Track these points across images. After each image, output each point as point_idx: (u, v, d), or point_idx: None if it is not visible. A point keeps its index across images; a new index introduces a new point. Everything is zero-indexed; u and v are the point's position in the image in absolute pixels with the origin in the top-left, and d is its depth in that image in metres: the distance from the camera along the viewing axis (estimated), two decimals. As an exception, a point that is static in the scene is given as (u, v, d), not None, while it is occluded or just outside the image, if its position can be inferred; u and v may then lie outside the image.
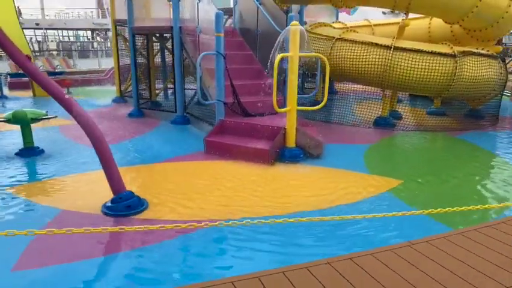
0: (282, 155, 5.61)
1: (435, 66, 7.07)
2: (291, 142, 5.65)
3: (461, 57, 7.14)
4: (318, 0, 8.88)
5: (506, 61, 9.25)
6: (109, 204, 3.99)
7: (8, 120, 5.78)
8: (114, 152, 6.10)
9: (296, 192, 4.55)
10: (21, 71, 14.14)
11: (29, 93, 12.56)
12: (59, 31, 50.28)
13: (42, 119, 6.12)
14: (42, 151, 6.07)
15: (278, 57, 5.17)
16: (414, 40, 8.70)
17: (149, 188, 4.74)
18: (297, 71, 5.44)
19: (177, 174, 5.32)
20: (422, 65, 7.09)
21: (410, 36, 9.72)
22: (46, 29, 46.64)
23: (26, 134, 5.91)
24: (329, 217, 3.17)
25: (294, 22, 5.32)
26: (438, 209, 3.13)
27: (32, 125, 5.96)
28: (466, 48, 7.38)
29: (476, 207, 3.22)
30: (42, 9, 47.84)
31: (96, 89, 14.24)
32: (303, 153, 5.71)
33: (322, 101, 6.00)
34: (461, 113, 9.08)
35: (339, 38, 7.92)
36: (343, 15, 18.66)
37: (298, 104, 5.67)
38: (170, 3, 7.72)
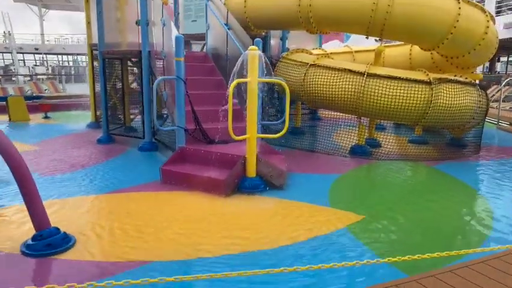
0: (241, 185, 5.19)
1: (410, 93, 6.74)
2: (251, 171, 5.24)
3: (437, 85, 6.83)
4: (292, 26, 8.63)
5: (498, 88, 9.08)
6: (30, 242, 3.57)
7: None
8: (61, 181, 5.78)
9: (242, 232, 4.08)
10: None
11: (6, 117, 12.20)
12: (59, 56, 51.02)
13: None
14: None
15: (234, 82, 4.87)
16: (397, 67, 8.48)
17: (84, 222, 4.29)
18: (256, 97, 5.11)
19: (121, 206, 4.83)
20: (396, 92, 6.76)
21: (391, 63, 9.54)
22: (45, 53, 47.34)
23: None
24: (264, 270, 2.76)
25: (252, 47, 5.03)
26: (396, 258, 2.89)
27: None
28: (443, 75, 7.08)
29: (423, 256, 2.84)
30: (42, 34, 48.69)
31: (78, 113, 13.80)
32: (264, 184, 5.28)
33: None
34: (443, 142, 8.74)
35: (312, 64, 7.64)
36: (335, 43, 18.59)
37: (269, 131, 5.32)
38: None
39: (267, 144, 6.36)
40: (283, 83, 5.24)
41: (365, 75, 6.95)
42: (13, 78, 31.36)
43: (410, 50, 9.40)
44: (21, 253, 3.47)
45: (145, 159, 7.40)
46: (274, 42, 11.81)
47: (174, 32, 5.93)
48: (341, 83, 7.15)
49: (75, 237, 3.79)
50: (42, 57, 47.09)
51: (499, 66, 33.21)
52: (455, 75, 7.57)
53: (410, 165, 6.95)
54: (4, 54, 44.67)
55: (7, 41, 39.99)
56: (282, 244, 3.67)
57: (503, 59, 34.54)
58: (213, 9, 8.23)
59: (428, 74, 6.93)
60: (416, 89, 6.77)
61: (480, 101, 7.30)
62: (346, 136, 7.99)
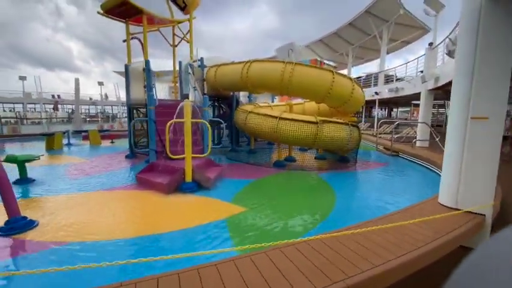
0: (181, 187, 4.75)
1: (304, 128, 6.36)
2: (188, 178, 4.82)
3: (321, 124, 6.44)
4: (240, 89, 8.32)
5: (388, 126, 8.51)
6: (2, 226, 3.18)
7: (5, 161, 5.10)
8: (78, 182, 5.38)
9: (158, 216, 3.67)
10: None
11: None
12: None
13: (33, 160, 5.42)
14: (33, 180, 5.33)
15: (169, 122, 4.55)
16: (311, 113, 8.18)
17: (55, 211, 3.79)
18: (190, 132, 4.76)
19: (94, 201, 4.30)
20: (295, 128, 6.39)
21: (310, 110, 9.21)
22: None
23: (21, 170, 5.20)
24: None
25: (187, 100, 4.72)
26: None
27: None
28: (326, 118, 6.69)
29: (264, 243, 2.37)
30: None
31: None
32: (197, 186, 4.86)
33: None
34: (335, 158, 8.26)
35: (250, 111, 7.31)
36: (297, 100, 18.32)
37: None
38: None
39: (211, 159, 5.97)
40: (206, 122, 4.90)
41: (278, 118, 6.59)
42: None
43: (318, 105, 9.05)
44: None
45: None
46: (243, 99, 11.59)
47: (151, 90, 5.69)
48: (264, 123, 6.79)
49: (38, 222, 3.39)
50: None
51: (394, 113, 32.45)
52: (337, 118, 7.21)
53: (305, 174, 6.42)
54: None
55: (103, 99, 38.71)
56: (175, 229, 3.21)
57: (401, 108, 33.85)
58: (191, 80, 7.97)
59: (316, 118, 6.55)
60: (308, 126, 6.37)
61: (351, 134, 6.86)
62: (276, 154, 7.55)
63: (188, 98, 7.17)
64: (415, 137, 10.49)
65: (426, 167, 7.04)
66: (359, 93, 7.13)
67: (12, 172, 5.62)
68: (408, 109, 29.87)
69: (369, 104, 20.83)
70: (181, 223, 3.40)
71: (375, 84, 17.82)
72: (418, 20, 17.36)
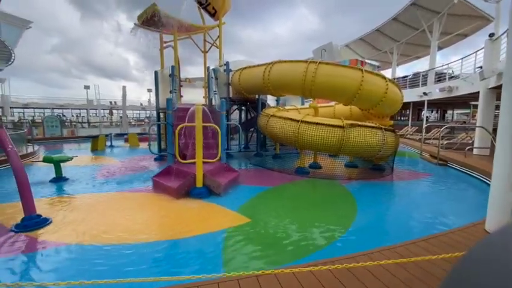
0: (191, 192, 4.65)
1: (328, 133, 5.80)
2: (199, 183, 4.70)
3: (348, 128, 5.80)
4: (263, 92, 8.00)
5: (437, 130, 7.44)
6: (17, 223, 3.39)
7: (43, 161, 5.62)
8: (105, 182, 5.63)
9: (156, 222, 3.57)
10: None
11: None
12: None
13: (67, 160, 5.88)
14: (67, 179, 5.77)
15: (179, 126, 4.47)
16: (341, 116, 7.58)
17: (72, 210, 3.96)
18: (201, 136, 4.63)
19: (108, 202, 4.42)
20: (318, 132, 5.85)
21: (339, 113, 8.52)
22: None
23: (57, 169, 5.68)
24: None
25: (198, 104, 4.61)
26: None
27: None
28: (354, 122, 6.00)
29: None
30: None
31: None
32: (208, 192, 4.70)
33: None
34: (368, 166, 7.42)
35: (272, 115, 6.97)
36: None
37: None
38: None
39: (227, 164, 5.77)
40: (217, 127, 4.71)
41: (300, 122, 6.13)
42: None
43: (350, 108, 8.28)
44: (10, 230, 3.30)
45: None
46: (271, 102, 11.29)
47: (168, 96, 5.75)
48: (285, 127, 6.39)
49: (51, 220, 3.55)
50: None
51: (448, 116, 28.70)
52: (369, 122, 6.45)
53: (328, 183, 5.80)
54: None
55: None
56: (165, 238, 3.06)
57: (459, 110, 29.70)
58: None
59: (343, 121, 5.93)
60: (332, 131, 5.79)
61: (384, 139, 6.04)
62: (300, 160, 7.04)
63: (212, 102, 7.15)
64: (471, 144, 8.93)
65: (482, 181, 5.84)
66: (395, 93, 6.27)
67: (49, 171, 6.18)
68: (467, 111, 26.13)
69: (418, 106, 18.68)
70: (175, 232, 3.23)
71: (424, 84, 15.92)
72: (477, 9, 15.01)
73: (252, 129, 10.70)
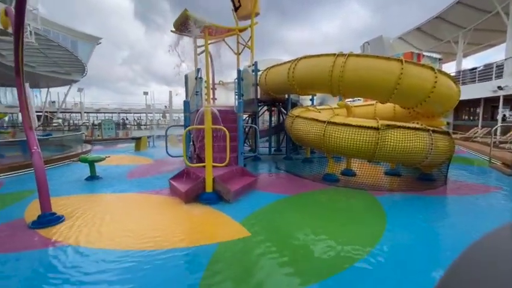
0: (201, 197, 4.43)
1: (359, 136, 4.99)
2: (208, 188, 4.46)
3: (385, 129, 4.89)
4: (288, 91, 7.44)
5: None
6: (34, 219, 3.58)
7: (80, 161, 6.09)
8: (131, 182, 5.83)
9: (152, 228, 3.34)
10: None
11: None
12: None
13: (101, 160, 6.26)
14: (100, 178, 6.16)
15: (187, 129, 4.29)
16: (385, 116, 6.63)
17: (88, 209, 4.07)
18: (210, 139, 4.38)
19: (125, 203, 4.47)
20: (347, 135, 5.08)
21: (382, 113, 7.46)
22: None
23: (91, 168, 6.10)
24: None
25: (206, 105, 4.38)
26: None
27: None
28: (391, 122, 5.04)
29: None
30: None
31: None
32: (217, 198, 4.42)
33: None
34: (415, 176, 6.24)
35: (297, 116, 6.39)
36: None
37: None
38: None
39: (244, 169, 5.42)
40: (225, 130, 4.39)
41: (326, 123, 5.44)
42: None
43: (394, 106, 7.13)
44: (28, 226, 3.50)
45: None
46: (305, 102, 10.59)
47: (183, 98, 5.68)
48: (310, 128, 5.75)
49: (64, 218, 3.68)
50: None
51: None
52: (415, 122, 5.37)
53: (358, 193, 4.95)
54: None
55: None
56: (151, 247, 2.84)
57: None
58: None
59: (378, 122, 5.04)
60: (364, 133, 4.96)
61: (433, 143, 4.94)
62: (331, 166, 6.28)
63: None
64: None
65: None
66: (447, 88, 5.08)
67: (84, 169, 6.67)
68: None
69: (492, 103, 15.54)
70: (162, 240, 3.00)
71: (499, 76, 13.14)
72: None
73: (282, 131, 10.19)
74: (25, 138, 3.96)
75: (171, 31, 10.08)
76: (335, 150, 5.44)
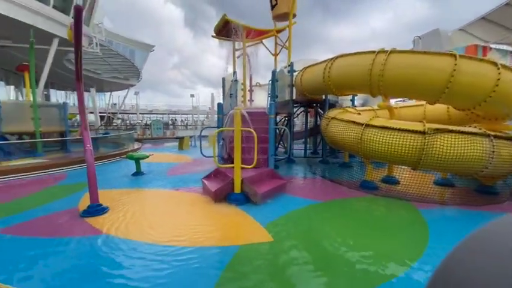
0: (229, 197, 4.50)
1: (401, 140, 4.50)
2: (237, 189, 4.49)
3: (432, 134, 4.33)
4: (324, 92, 7.09)
5: None
6: (85, 209, 4.05)
7: (127, 158, 6.70)
8: (169, 179, 6.21)
9: (191, 226, 3.49)
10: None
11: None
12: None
13: (145, 158, 6.80)
14: (144, 174, 6.70)
15: (217, 130, 4.36)
16: (437, 119, 5.98)
17: (129, 202, 4.46)
18: (240, 140, 4.40)
19: (161, 198, 4.77)
20: (388, 139, 4.64)
21: (433, 114, 6.68)
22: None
23: (137, 165, 6.68)
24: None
25: (237, 107, 4.40)
26: None
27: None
28: (441, 126, 4.43)
29: None
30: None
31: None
32: (245, 199, 4.43)
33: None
34: (472, 187, 5.40)
35: (332, 117, 6.06)
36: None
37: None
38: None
39: (274, 171, 5.32)
40: (252, 130, 4.34)
41: (364, 126, 5.04)
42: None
43: (448, 107, 6.29)
44: (79, 215, 3.95)
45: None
46: (346, 103, 10.03)
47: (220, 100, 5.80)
48: (346, 131, 5.40)
49: (108, 209, 4.08)
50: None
51: None
52: (474, 126, 4.64)
53: (395, 204, 4.45)
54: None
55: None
56: (188, 245, 2.97)
57: None
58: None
59: (424, 125, 4.48)
60: (408, 138, 4.46)
61: (494, 151, 4.20)
62: (369, 172, 5.79)
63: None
64: None
65: None
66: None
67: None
68: None
69: None
70: (187, 238, 3.11)
71: None
72: None
73: (319, 134, 9.80)
74: (92, 136, 4.49)
75: (212, 36, 10.50)
76: (372, 156, 5.02)
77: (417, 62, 4.47)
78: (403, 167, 5.79)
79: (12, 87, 20.80)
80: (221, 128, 4.62)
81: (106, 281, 2.31)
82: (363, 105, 10.19)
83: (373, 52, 4.99)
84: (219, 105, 5.57)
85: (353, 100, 9.40)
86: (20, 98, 20.26)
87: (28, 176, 6.58)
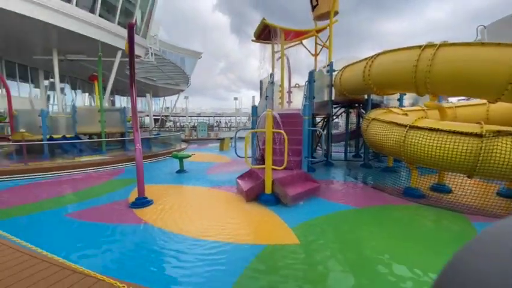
0: (260, 197, 4.58)
1: (452, 144, 4.00)
2: (267, 189, 4.54)
3: (491, 137, 3.75)
4: (364, 92, 6.63)
5: None
6: (133, 201, 4.55)
7: (172, 157, 7.29)
8: (204, 177, 6.59)
9: (222, 223, 3.69)
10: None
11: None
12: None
13: (188, 157, 7.31)
14: (186, 172, 7.22)
15: (248, 132, 4.45)
16: (500, 120, 5.31)
17: (170, 197, 4.88)
18: (271, 142, 4.44)
19: (199, 195, 5.10)
20: (436, 143, 4.16)
21: (499, 114, 5.81)
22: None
23: (180, 163, 7.23)
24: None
25: (268, 109, 4.44)
26: None
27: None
28: (503, 128, 3.79)
29: None
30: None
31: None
32: (276, 200, 4.45)
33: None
34: (551, 201, 4.49)
35: (373, 119, 5.66)
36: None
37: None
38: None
39: (307, 173, 5.21)
40: (284, 133, 4.31)
41: (407, 127, 4.61)
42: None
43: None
44: (129, 206, 4.48)
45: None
46: (392, 102, 9.26)
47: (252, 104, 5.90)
48: (387, 133, 5.01)
49: (152, 202, 4.52)
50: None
51: None
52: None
53: (443, 215, 3.94)
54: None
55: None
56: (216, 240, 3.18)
57: None
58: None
59: (482, 127, 3.90)
60: (461, 141, 3.94)
61: None
62: (414, 179, 5.28)
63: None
64: None
65: None
66: None
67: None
68: None
69: None
70: (217, 233, 3.27)
71: None
72: None
73: (361, 136, 9.23)
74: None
75: (252, 40, 10.77)
76: (417, 161, 4.55)
77: (472, 55, 3.90)
78: (458, 174, 5.11)
79: (86, 94, 24.41)
80: (252, 130, 4.73)
81: (139, 263, 2.59)
82: (413, 104, 9.27)
83: (419, 47, 4.53)
84: (253, 107, 5.71)
85: (400, 99, 8.62)
86: (92, 104, 23.62)
87: (95, 169, 7.68)
